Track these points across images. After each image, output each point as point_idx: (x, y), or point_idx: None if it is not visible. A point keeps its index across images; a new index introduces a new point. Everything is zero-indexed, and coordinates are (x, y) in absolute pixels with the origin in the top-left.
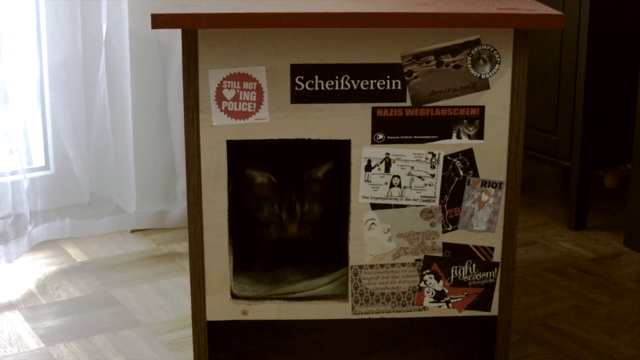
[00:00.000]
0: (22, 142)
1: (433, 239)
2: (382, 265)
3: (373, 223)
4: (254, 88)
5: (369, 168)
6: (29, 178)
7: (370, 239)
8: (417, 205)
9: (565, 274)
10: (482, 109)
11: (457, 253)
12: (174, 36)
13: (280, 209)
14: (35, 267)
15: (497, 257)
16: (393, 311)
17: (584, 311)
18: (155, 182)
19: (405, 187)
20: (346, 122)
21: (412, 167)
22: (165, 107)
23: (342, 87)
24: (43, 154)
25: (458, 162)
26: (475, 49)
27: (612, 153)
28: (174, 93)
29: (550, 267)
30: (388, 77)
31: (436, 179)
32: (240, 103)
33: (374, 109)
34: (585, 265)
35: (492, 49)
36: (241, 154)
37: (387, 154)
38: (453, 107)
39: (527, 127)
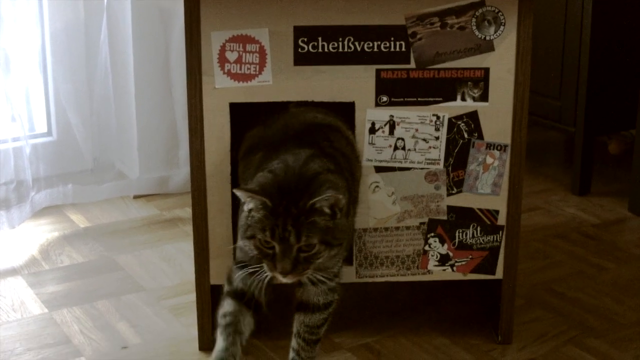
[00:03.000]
0: (24, 108)
1: (437, 202)
2: (386, 229)
3: (377, 186)
4: (257, 50)
5: (373, 130)
6: (31, 144)
7: (374, 202)
8: (422, 168)
9: (570, 239)
10: (486, 71)
11: (462, 216)
12: (176, 0)
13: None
14: (38, 233)
15: (501, 220)
16: (397, 275)
17: (588, 276)
18: (157, 147)
19: (409, 149)
20: (350, 84)
21: (417, 130)
22: (167, 72)
23: (345, 49)
24: (45, 120)
25: (463, 124)
26: (480, 11)
27: (617, 119)
28: (176, 58)
29: (555, 232)
30: (392, 38)
31: (440, 141)
32: (243, 65)
33: (378, 71)
34: (590, 231)
35: (496, 11)
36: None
37: (391, 116)
38: (457, 69)
39: (531, 92)
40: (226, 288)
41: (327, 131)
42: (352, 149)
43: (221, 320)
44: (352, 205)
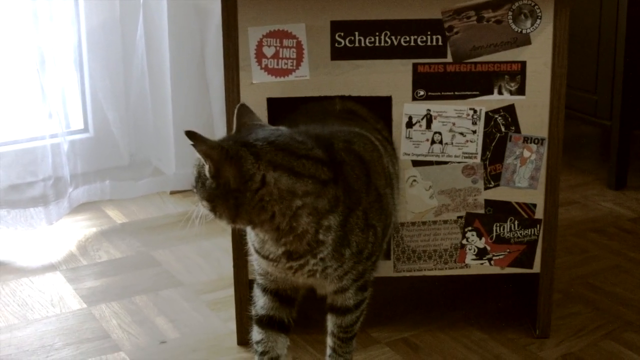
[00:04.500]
0: (60, 105)
1: (475, 195)
2: (424, 223)
3: (415, 180)
4: (294, 45)
5: (410, 125)
6: (69, 141)
7: (411, 197)
8: (459, 162)
9: (606, 234)
10: (523, 64)
11: (499, 210)
12: None
13: None
14: (75, 229)
15: (539, 213)
16: (435, 269)
17: (625, 270)
18: None
19: (446, 143)
20: (387, 78)
21: (454, 124)
22: (203, 69)
23: (382, 43)
24: (82, 117)
25: (500, 118)
26: (516, 4)
27: None
28: (212, 54)
29: (591, 226)
30: (429, 32)
31: (478, 135)
32: (280, 60)
33: (415, 65)
34: (626, 225)
35: (533, 4)
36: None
37: (428, 110)
38: (494, 62)
39: (567, 86)
40: (252, 312)
41: (348, 133)
42: (378, 155)
43: (257, 347)
44: (365, 215)
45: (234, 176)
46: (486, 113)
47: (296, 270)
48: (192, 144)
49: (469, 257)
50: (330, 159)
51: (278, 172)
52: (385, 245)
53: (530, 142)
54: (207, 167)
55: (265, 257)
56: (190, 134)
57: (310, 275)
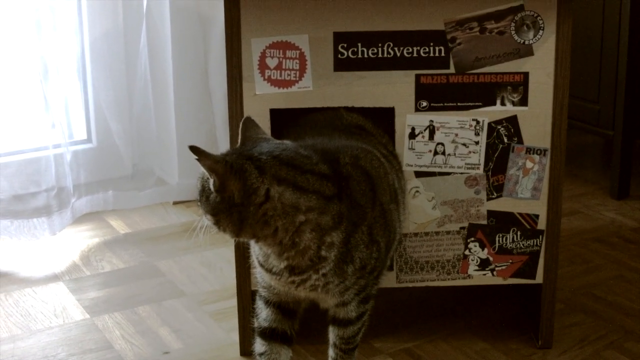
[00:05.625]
0: (63, 116)
1: (477, 206)
2: (426, 234)
3: (417, 191)
4: (297, 56)
5: (412, 136)
6: (72, 151)
7: (414, 207)
8: (462, 173)
9: (609, 243)
10: (526, 75)
11: (502, 221)
12: (215, 7)
13: None
14: (78, 239)
15: (542, 224)
16: (438, 279)
17: (628, 280)
18: None
19: (449, 154)
20: (390, 89)
21: (456, 135)
22: (206, 79)
23: (385, 55)
24: (85, 127)
25: (502, 129)
26: (519, 15)
27: None
28: (215, 65)
29: (594, 236)
30: (431, 44)
31: (480, 146)
32: (283, 71)
33: (418, 76)
34: (629, 234)
35: (535, 15)
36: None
37: (431, 121)
38: (497, 73)
39: (569, 96)
40: (255, 324)
41: (356, 149)
42: (384, 171)
43: (260, 359)
44: (370, 230)
45: (238, 190)
46: (489, 124)
47: (298, 284)
48: (197, 159)
49: (472, 268)
50: (335, 174)
51: (282, 186)
52: (388, 262)
53: (533, 153)
54: (211, 181)
55: (269, 271)
56: (194, 149)
57: (312, 289)
